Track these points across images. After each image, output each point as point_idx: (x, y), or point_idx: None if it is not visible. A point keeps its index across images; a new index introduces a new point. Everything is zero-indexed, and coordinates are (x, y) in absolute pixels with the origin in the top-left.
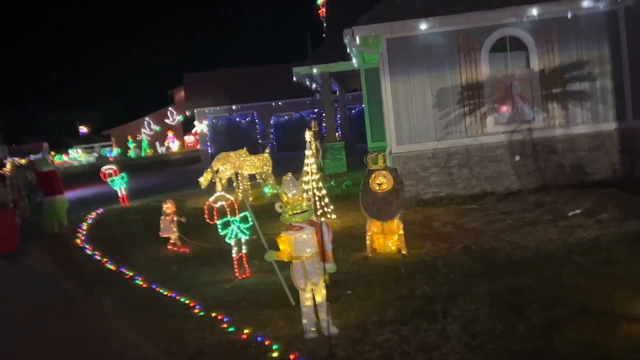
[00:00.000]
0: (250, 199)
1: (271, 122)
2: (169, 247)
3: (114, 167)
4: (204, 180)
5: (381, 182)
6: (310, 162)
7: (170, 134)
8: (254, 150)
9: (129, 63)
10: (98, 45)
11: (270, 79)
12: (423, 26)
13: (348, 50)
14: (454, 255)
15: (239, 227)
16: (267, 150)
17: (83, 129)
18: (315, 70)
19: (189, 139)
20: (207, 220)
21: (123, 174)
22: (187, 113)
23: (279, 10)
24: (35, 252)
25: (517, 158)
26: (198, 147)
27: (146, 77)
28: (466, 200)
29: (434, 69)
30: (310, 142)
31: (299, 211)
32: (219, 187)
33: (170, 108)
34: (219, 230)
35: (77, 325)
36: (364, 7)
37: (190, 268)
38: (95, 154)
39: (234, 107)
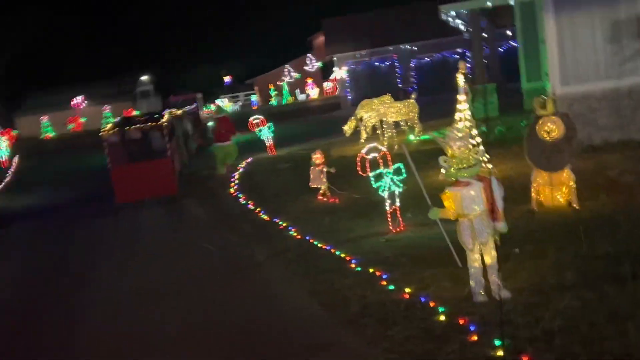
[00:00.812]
0: (396, 146)
1: (411, 65)
2: (319, 197)
3: (261, 117)
4: (348, 128)
5: (550, 129)
6: (463, 108)
7: (309, 80)
8: (395, 95)
9: (267, 12)
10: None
11: (409, 19)
12: None
13: None
14: (636, 210)
15: (392, 180)
16: (412, 96)
17: (227, 79)
18: (464, 7)
19: (327, 85)
20: (360, 173)
21: (270, 124)
22: (327, 59)
23: None
24: (193, 201)
25: None
26: (337, 93)
27: (284, 24)
28: None
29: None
30: (463, 86)
31: (465, 165)
32: (363, 134)
33: (309, 55)
34: (372, 183)
35: (237, 279)
36: None
37: (343, 219)
38: (240, 102)
39: (369, 52)
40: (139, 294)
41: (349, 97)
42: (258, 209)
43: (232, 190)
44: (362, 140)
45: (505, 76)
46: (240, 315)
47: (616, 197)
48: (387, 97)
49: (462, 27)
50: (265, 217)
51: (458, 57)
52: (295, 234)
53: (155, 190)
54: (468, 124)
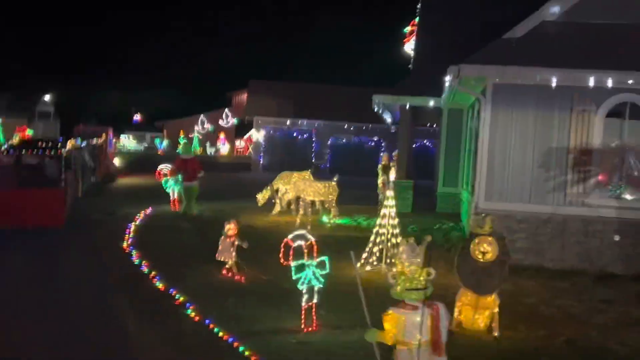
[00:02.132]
0: (309, 227)
1: (328, 142)
2: (224, 272)
3: (170, 166)
4: (261, 197)
5: (486, 250)
6: (390, 204)
7: (222, 135)
8: (305, 167)
9: (193, 58)
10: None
11: (334, 99)
12: (538, 76)
13: (447, 85)
14: (559, 350)
15: (314, 273)
16: (335, 178)
17: (137, 117)
18: (397, 101)
19: (240, 143)
20: (281, 261)
21: (179, 176)
22: (247, 118)
23: (356, 32)
24: (80, 237)
25: (617, 238)
26: (248, 153)
27: (208, 75)
28: (555, 276)
29: (540, 124)
30: (387, 181)
31: (415, 286)
32: (277, 208)
33: (226, 110)
34: (292, 273)
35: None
36: (457, 44)
37: (249, 304)
38: (145, 144)
39: (290, 121)
40: None
41: (261, 161)
42: (152, 273)
43: (125, 244)
44: (273, 213)
45: (418, 175)
46: None
47: (536, 331)
48: (307, 174)
49: (387, 119)
50: (160, 285)
51: (373, 144)
52: (193, 314)
53: (40, 219)
54: (392, 221)
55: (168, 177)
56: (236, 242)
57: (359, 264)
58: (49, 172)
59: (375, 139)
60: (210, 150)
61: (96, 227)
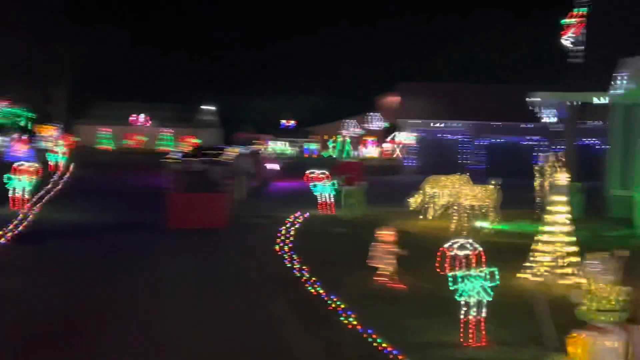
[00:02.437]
0: (464, 233)
1: (481, 143)
2: (378, 278)
3: (320, 171)
4: (413, 202)
5: None
6: (562, 210)
7: (370, 139)
8: (456, 169)
9: (338, 64)
10: (310, 39)
11: (486, 98)
12: None
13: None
14: None
15: (482, 285)
16: (493, 182)
17: (287, 122)
18: (562, 98)
19: (387, 146)
20: (437, 270)
21: (334, 181)
22: (396, 121)
23: (504, 28)
24: (240, 240)
25: None
26: (397, 157)
27: (354, 79)
28: None
29: None
30: (561, 184)
31: (607, 308)
32: (431, 213)
33: (373, 113)
34: (450, 284)
35: None
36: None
37: (409, 315)
38: (297, 148)
39: (443, 123)
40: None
41: (411, 164)
42: (308, 278)
43: (280, 247)
44: (427, 218)
45: (583, 176)
46: None
47: None
48: (459, 177)
49: (546, 117)
50: (317, 289)
51: (529, 143)
52: (353, 322)
53: (206, 221)
54: (567, 228)
55: (317, 182)
56: (395, 250)
57: (524, 274)
58: (213, 177)
59: (531, 138)
60: (357, 154)
61: (255, 230)
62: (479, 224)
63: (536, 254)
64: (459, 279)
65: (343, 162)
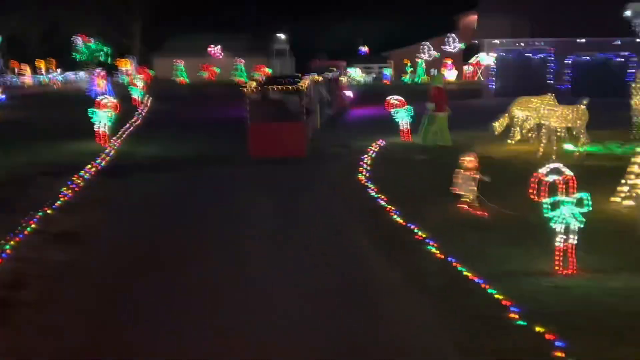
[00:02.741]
0: (553, 156)
1: (568, 61)
2: (462, 206)
3: (400, 97)
4: (498, 125)
5: None
6: None
7: (448, 61)
8: (542, 91)
9: None
10: None
11: (574, 12)
12: None
13: None
14: None
15: (572, 211)
16: (584, 102)
17: (363, 49)
18: None
19: (467, 69)
20: (533, 197)
21: (409, 107)
22: (476, 41)
23: None
24: (319, 170)
25: None
26: (478, 80)
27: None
28: None
29: None
30: None
31: None
32: (517, 136)
33: (451, 34)
34: (545, 211)
35: (365, 302)
36: None
37: (493, 243)
38: (374, 75)
39: (525, 41)
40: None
41: (492, 87)
42: (390, 207)
43: (360, 176)
44: (511, 142)
45: None
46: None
47: None
48: (549, 98)
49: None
50: (399, 219)
51: (621, 60)
52: (436, 252)
53: (286, 150)
54: None
55: (398, 108)
56: (477, 176)
57: (618, 198)
58: (291, 106)
59: (623, 54)
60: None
61: (334, 159)
62: (568, 146)
63: (631, 176)
64: (552, 206)
65: (436, 88)
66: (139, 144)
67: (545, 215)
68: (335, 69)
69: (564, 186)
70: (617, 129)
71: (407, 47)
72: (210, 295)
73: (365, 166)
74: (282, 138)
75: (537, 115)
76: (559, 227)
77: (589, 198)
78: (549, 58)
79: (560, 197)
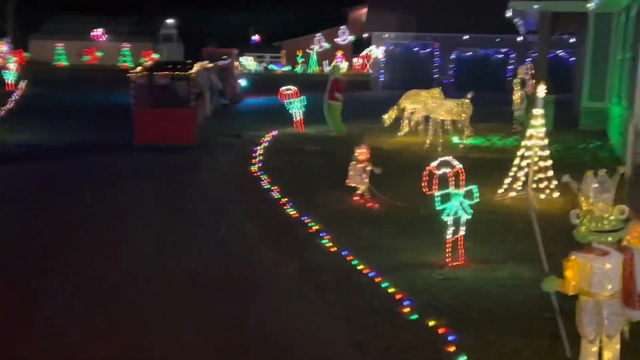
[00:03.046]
0: (440, 148)
1: (452, 57)
2: (356, 198)
3: (293, 87)
4: (388, 118)
5: None
6: (538, 124)
7: (339, 53)
8: (428, 84)
9: None
10: None
11: (458, 9)
12: None
13: None
14: None
15: (461, 203)
16: (469, 96)
17: (255, 38)
18: (536, 6)
19: (357, 61)
20: (425, 190)
21: (303, 97)
22: (365, 35)
23: None
24: (210, 159)
25: None
26: (368, 72)
27: None
28: None
29: None
30: (537, 96)
31: (606, 228)
32: (405, 128)
33: (343, 27)
34: (437, 203)
35: (256, 296)
36: None
37: (386, 235)
38: (265, 64)
39: (412, 35)
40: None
41: (381, 79)
42: (283, 199)
43: (253, 167)
44: (400, 134)
45: (555, 88)
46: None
47: None
48: (437, 92)
49: (521, 29)
50: (292, 212)
51: (500, 56)
52: (329, 245)
53: (173, 138)
54: (540, 142)
55: (292, 99)
56: (368, 167)
57: (503, 191)
58: (180, 93)
59: (503, 51)
60: (327, 69)
61: (225, 148)
62: (454, 139)
63: (514, 169)
64: (443, 198)
65: (336, 79)
66: (11, 131)
67: (438, 207)
68: (227, 57)
69: (454, 179)
70: (498, 122)
71: (299, 37)
72: (84, 290)
73: (258, 157)
74: (169, 125)
75: (425, 108)
76: (449, 220)
77: (477, 190)
78: (435, 53)
79: (450, 190)
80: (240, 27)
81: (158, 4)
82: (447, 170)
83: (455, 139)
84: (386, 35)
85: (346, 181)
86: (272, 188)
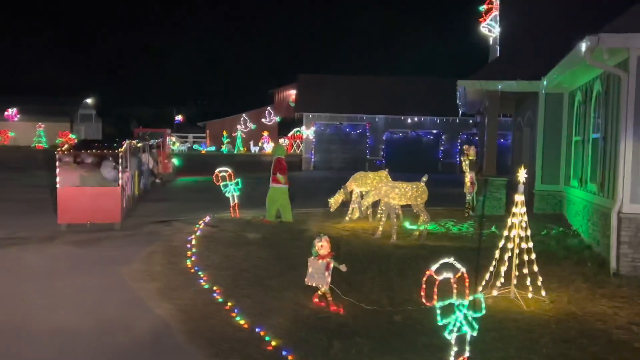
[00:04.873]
0: (394, 237)
1: (383, 137)
2: (315, 300)
3: (228, 169)
4: (334, 202)
5: None
6: (520, 212)
7: (265, 134)
8: (360, 165)
9: (234, 57)
10: (205, 31)
11: (389, 91)
12: None
13: (562, 62)
14: None
15: (465, 317)
16: (424, 179)
17: (178, 118)
18: (500, 86)
19: (284, 142)
20: (423, 300)
21: (238, 180)
22: (296, 115)
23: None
24: (136, 249)
25: None
26: (296, 151)
27: (248, 73)
28: None
29: None
30: (518, 181)
31: None
32: (356, 214)
33: (269, 108)
34: (438, 317)
35: None
36: (549, 22)
37: (363, 353)
38: (188, 144)
39: (343, 116)
40: None
41: (313, 159)
42: (228, 304)
43: (188, 262)
44: (347, 218)
45: (500, 170)
46: None
47: None
48: (384, 173)
49: (461, 109)
50: (240, 321)
51: (431, 137)
52: None
53: (99, 217)
54: (522, 232)
55: (227, 181)
56: (331, 264)
57: (481, 289)
58: (107, 171)
59: (434, 132)
60: (254, 149)
61: (154, 239)
62: (407, 225)
63: (494, 263)
64: (441, 309)
65: (279, 159)
66: None
67: (440, 323)
68: (158, 137)
69: (457, 285)
70: (446, 205)
71: (225, 118)
72: None
73: (192, 248)
74: (95, 203)
75: (377, 192)
76: (453, 338)
77: (484, 299)
78: (366, 133)
79: (454, 300)
80: (166, 110)
81: (74, 84)
82: (449, 275)
83: (408, 225)
84: (317, 115)
85: (306, 280)
86: (213, 288)
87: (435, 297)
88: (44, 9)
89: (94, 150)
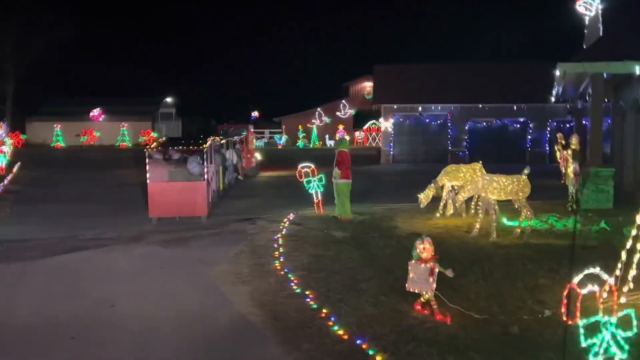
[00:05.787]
0: (494, 235)
1: (466, 127)
2: (418, 307)
3: (311, 165)
4: (424, 197)
5: None
6: None
7: (340, 127)
8: (442, 157)
9: (308, 50)
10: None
11: (471, 78)
12: None
13: None
14: None
15: (613, 336)
16: (525, 171)
17: (255, 114)
18: (587, 70)
19: (359, 135)
20: (565, 317)
21: (321, 175)
22: (374, 107)
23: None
24: (221, 250)
25: None
26: (368, 144)
27: (322, 67)
28: None
29: None
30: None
31: None
32: (450, 210)
33: (343, 101)
34: (582, 337)
35: None
36: None
37: None
38: (265, 140)
39: (423, 107)
40: None
41: (392, 152)
42: (324, 311)
43: (277, 264)
44: (438, 215)
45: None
46: None
47: None
48: (477, 166)
49: (552, 97)
50: (339, 330)
51: (518, 126)
52: None
53: (186, 210)
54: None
55: (311, 177)
56: (436, 269)
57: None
58: (192, 167)
59: (521, 120)
60: (329, 143)
61: (240, 238)
62: (505, 221)
63: (620, 266)
64: (585, 327)
65: (340, 153)
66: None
67: (584, 344)
68: (243, 132)
69: (602, 299)
70: (543, 198)
71: (300, 112)
72: None
73: (279, 248)
74: (182, 198)
75: (475, 186)
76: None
77: (634, 316)
78: (447, 123)
79: (600, 317)
80: (242, 106)
81: (155, 83)
82: (594, 288)
83: (507, 221)
84: (394, 107)
85: (407, 286)
86: (306, 292)
87: (578, 313)
88: (125, 11)
89: (180, 147)
